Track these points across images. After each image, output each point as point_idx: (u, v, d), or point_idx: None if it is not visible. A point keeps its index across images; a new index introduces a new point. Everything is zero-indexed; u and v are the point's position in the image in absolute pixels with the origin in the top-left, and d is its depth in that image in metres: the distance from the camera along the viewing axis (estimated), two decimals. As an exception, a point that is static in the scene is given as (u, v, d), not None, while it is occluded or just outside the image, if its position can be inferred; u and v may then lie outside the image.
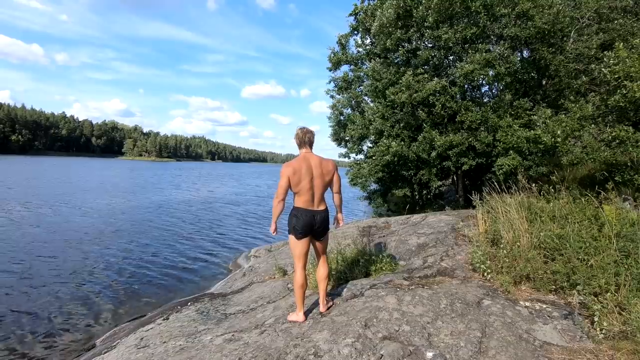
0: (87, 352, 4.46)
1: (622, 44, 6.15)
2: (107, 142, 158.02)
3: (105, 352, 3.83)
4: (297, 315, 3.18)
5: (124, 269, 8.05)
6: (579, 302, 2.95)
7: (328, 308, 3.31)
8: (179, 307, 4.85)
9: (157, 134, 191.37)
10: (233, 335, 3.17)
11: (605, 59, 6.63)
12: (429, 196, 16.19)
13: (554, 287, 3.31)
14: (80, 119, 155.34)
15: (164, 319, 4.36)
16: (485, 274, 3.71)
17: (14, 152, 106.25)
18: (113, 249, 9.69)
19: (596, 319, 2.67)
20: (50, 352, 4.69)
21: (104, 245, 9.95)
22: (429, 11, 9.36)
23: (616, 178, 6.32)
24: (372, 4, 13.50)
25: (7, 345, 4.83)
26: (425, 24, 9.65)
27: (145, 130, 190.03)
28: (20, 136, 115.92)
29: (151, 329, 4.10)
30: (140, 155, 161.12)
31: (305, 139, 3.08)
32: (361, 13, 13.55)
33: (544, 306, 3.09)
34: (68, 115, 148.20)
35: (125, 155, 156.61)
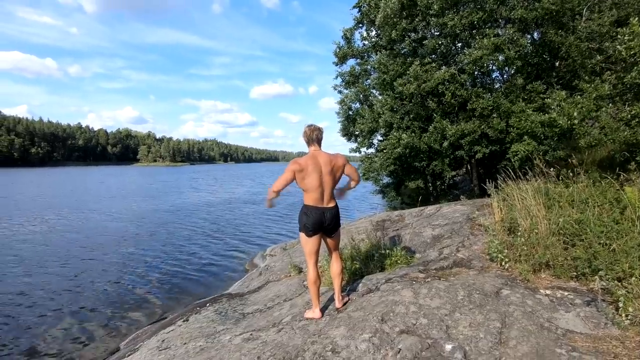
0: (112, 356, 4.58)
1: (637, 19, 5.91)
2: (122, 149, 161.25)
3: (129, 355, 3.92)
4: (314, 312, 3.18)
5: (143, 273, 8.22)
6: (602, 288, 2.86)
7: (344, 304, 3.30)
8: (198, 308, 4.92)
9: (170, 139, 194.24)
10: (251, 334, 3.20)
11: (619, 35, 6.38)
12: (443, 187, 16.02)
13: (575, 273, 3.22)
14: (95, 129, 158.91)
15: (184, 321, 4.43)
16: (503, 263, 3.63)
17: (34, 165, 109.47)
18: (132, 253, 9.90)
19: (621, 304, 2.58)
20: (76, 357, 4.82)
21: (124, 250, 10.17)
22: (434, -2, 9.20)
23: (638, 158, 6.09)
24: (375, -5, 13.34)
25: (31, 347, 5.00)
26: (431, 12, 9.49)
27: (158, 136, 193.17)
28: (39, 148, 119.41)
29: (172, 330, 4.17)
30: (155, 160, 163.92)
31: (313, 136, 3.07)
32: (365, 5, 13.40)
33: (566, 293, 3.01)
34: (83, 125, 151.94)
35: (140, 162, 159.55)
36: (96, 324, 5.75)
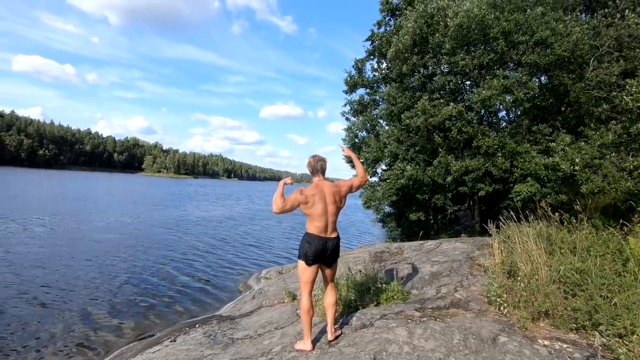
0: (94, 371, 4.45)
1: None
2: (128, 158, 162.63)
3: (112, 373, 3.81)
4: (305, 344, 3.10)
5: (135, 286, 8.09)
6: (601, 344, 2.78)
7: (336, 337, 3.22)
8: (186, 328, 4.81)
9: (176, 151, 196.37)
10: (239, 362, 3.11)
11: (627, 86, 6.51)
12: (444, 221, 15.90)
13: (575, 325, 3.14)
14: (104, 136, 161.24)
15: (171, 341, 4.33)
16: (502, 307, 3.55)
17: (40, 166, 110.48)
18: (128, 263, 9.77)
19: (621, 363, 2.50)
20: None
21: (120, 260, 10.06)
22: (446, 38, 9.44)
23: (640, 209, 6.06)
24: (389, 30, 13.77)
25: (11, 353, 4.86)
26: (442, 51, 9.73)
27: (165, 147, 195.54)
28: (47, 151, 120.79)
29: (158, 350, 4.07)
30: (159, 171, 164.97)
31: (318, 166, 3.12)
32: (377, 40, 13.81)
33: (565, 346, 2.92)
34: (93, 131, 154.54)
35: (144, 171, 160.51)
36: (79, 336, 5.61)
